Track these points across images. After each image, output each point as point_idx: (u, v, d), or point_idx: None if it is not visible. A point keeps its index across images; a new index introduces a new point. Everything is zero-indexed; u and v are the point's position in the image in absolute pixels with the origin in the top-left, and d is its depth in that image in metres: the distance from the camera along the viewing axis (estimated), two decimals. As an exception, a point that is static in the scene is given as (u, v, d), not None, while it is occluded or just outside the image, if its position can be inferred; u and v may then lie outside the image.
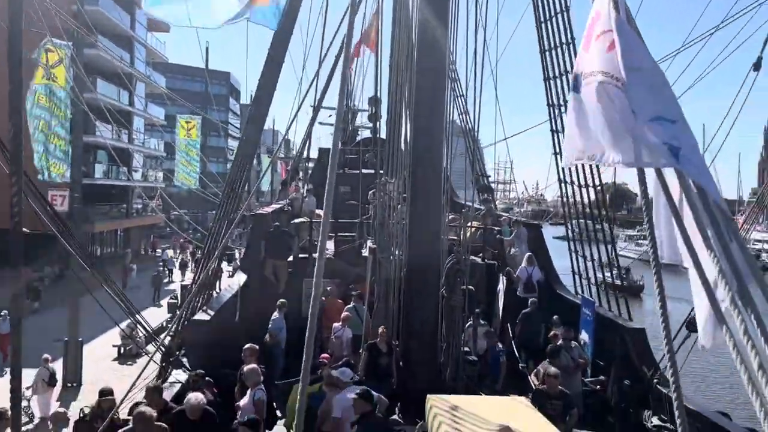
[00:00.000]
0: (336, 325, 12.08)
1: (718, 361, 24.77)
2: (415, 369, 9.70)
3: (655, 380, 10.08)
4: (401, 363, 10.10)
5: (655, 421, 9.78)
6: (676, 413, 2.25)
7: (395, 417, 9.18)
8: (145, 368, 7.05)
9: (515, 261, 14.74)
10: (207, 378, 8.34)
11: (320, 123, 28.79)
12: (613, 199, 16.90)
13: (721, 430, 8.34)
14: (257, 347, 9.40)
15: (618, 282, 13.60)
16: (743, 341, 1.69)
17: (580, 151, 2.53)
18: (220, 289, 16.00)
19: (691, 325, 9.94)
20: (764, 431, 1.58)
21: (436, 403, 6.11)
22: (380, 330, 10.39)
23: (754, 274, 1.87)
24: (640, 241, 65.37)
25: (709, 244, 1.75)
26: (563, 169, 13.61)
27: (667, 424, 9.58)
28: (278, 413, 9.06)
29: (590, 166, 12.96)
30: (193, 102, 35.65)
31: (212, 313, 11.74)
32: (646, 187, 2.26)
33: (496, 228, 16.28)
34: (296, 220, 16.49)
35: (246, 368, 8.26)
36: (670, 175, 2.20)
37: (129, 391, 6.52)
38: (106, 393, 7.81)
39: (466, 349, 10.56)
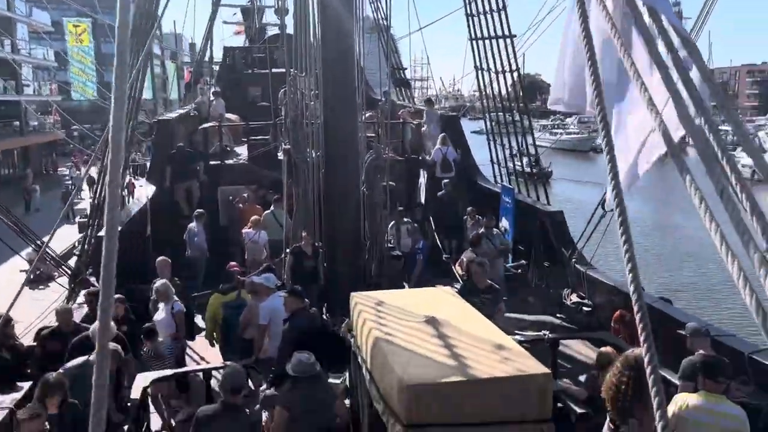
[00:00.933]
0: (246, 230, 11.75)
1: (636, 238, 26.27)
2: (340, 269, 9.54)
3: (573, 260, 10.40)
4: (325, 264, 9.92)
5: (574, 298, 10.19)
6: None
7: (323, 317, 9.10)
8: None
9: (427, 142, 14.78)
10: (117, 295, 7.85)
11: (225, 22, 26.78)
12: (526, 90, 16.93)
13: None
14: (169, 260, 8.91)
15: (529, 170, 13.87)
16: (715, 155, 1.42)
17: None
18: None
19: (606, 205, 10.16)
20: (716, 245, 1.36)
21: (360, 300, 5.93)
22: (303, 234, 10.09)
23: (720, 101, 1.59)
24: (553, 131, 67.27)
25: (667, 76, 1.46)
26: (479, 54, 13.29)
27: (585, 300, 9.99)
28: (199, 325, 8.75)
29: (505, 51, 12.71)
30: (79, 3, 32.28)
31: (119, 228, 11.02)
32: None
33: (415, 122, 15.95)
34: (204, 125, 15.51)
35: (158, 283, 7.82)
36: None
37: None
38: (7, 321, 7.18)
39: (391, 245, 10.45)
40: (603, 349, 6.22)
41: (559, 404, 5.63)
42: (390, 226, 11.21)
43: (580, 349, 8.95)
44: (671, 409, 4.84)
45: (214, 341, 8.09)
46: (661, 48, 1.53)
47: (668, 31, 1.51)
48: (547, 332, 7.48)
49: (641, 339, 1.45)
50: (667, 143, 1.52)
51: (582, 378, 6.93)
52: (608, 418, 4.97)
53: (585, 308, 9.88)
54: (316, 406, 5.15)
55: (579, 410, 5.66)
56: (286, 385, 5.31)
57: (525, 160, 14.14)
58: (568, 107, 2.71)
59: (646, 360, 1.45)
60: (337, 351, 6.30)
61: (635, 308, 1.44)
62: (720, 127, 1.70)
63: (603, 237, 10.16)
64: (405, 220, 11.63)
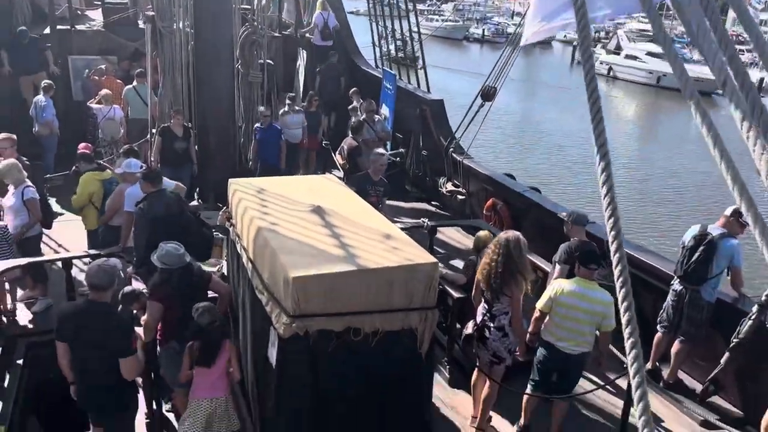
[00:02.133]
0: (97, 106, 10.62)
1: (505, 128, 27.35)
2: (213, 153, 8.97)
3: (450, 149, 10.54)
4: (197, 147, 9.28)
5: (450, 186, 10.42)
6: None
7: (195, 202, 8.63)
8: None
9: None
10: None
11: None
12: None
13: (507, 190, 9.06)
14: (15, 136, 7.86)
15: (397, 54, 13.66)
16: None
17: None
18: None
19: (485, 95, 10.25)
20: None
21: (240, 187, 5.59)
22: (172, 112, 9.28)
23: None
24: (430, 17, 66.61)
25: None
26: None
27: (460, 189, 10.26)
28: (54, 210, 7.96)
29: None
30: None
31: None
32: None
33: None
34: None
35: (2, 164, 6.89)
36: None
37: None
38: None
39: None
40: (480, 233, 6.41)
41: (439, 288, 5.79)
42: (281, 112, 10.65)
43: (454, 236, 9.28)
44: (548, 293, 5.13)
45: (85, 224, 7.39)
46: None
47: None
48: (426, 220, 7.60)
49: (618, 286, 1.32)
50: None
51: (458, 263, 7.18)
52: (482, 300, 5.21)
53: (460, 196, 10.16)
54: (192, 293, 4.90)
55: (456, 294, 5.87)
56: (156, 277, 4.97)
57: (396, 44, 14.00)
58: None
59: (622, 301, 1.32)
60: (198, 238, 5.97)
61: (612, 248, 1.27)
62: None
63: (480, 128, 10.32)
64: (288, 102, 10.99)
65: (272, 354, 4.24)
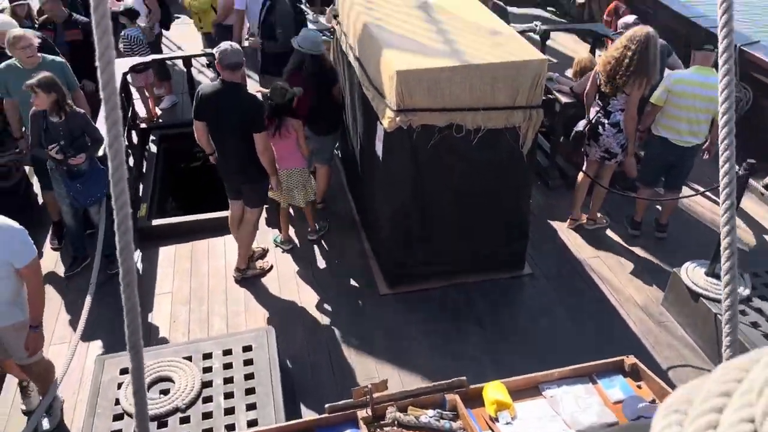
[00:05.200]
0: None
1: None
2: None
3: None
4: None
5: (568, -11, 9.62)
6: None
7: (302, 5, 8.58)
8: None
9: None
10: None
11: None
12: None
13: None
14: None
15: None
16: None
17: None
18: None
19: None
20: None
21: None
22: None
23: None
24: None
25: None
26: None
27: None
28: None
29: None
30: None
31: None
32: None
33: None
34: None
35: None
36: None
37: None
38: None
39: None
40: (580, 56, 6.09)
41: (549, 95, 5.66)
42: None
43: (568, 43, 8.78)
44: (663, 85, 4.89)
45: (200, 26, 7.65)
46: None
47: None
48: (539, 23, 7.19)
49: (720, 144, 1.25)
50: None
51: (569, 71, 6.89)
52: (596, 96, 5.04)
53: (579, 0, 9.40)
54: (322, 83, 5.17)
55: (564, 99, 5.71)
56: (293, 58, 5.22)
57: None
58: None
59: (722, 161, 1.25)
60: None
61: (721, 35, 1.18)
62: None
63: None
64: None
65: (378, 147, 4.45)
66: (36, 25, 6.18)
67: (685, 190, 5.57)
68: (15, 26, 5.33)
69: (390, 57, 4.12)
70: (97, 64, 0.93)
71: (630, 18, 5.98)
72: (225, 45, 4.47)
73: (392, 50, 4.19)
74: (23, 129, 5.16)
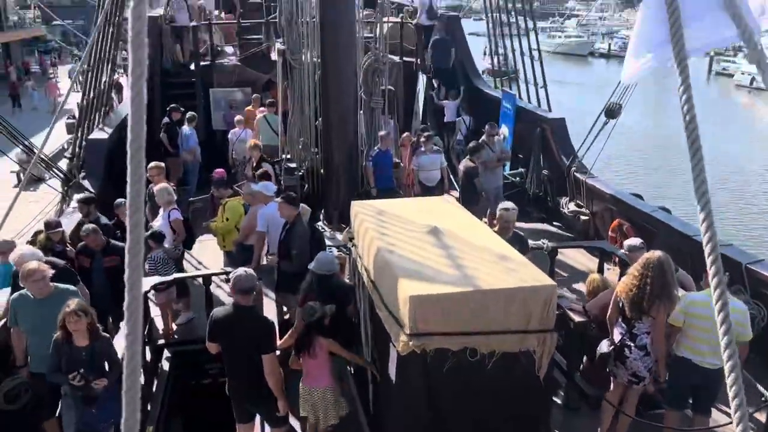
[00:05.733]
0: (233, 130, 11.79)
1: (632, 146, 26.12)
2: (338, 174, 9.40)
3: (572, 168, 10.30)
4: (322, 170, 9.76)
5: (572, 206, 10.16)
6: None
7: (319, 223, 9.07)
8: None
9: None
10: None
11: None
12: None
13: (634, 210, 8.70)
14: (163, 165, 8.72)
15: (516, 73, 13.53)
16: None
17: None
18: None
19: (609, 112, 9.96)
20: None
21: (362, 209, 5.85)
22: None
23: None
24: (552, 33, 65.33)
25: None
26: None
27: (583, 209, 9.98)
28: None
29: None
30: None
31: (110, 130, 10.76)
32: None
33: (413, 22, 15.29)
34: (194, 23, 14.77)
35: (156, 188, 7.67)
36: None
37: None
38: (53, 225, 6.99)
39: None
40: (592, 276, 6.28)
41: (558, 312, 5.69)
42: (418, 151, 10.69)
43: (577, 258, 9.03)
44: (679, 307, 4.92)
45: (223, 246, 8.07)
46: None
47: None
48: (546, 241, 7.48)
49: (712, 284, 1.33)
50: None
51: (581, 286, 7.01)
52: (619, 319, 5.05)
53: (583, 217, 9.88)
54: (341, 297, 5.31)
55: (578, 318, 5.74)
56: (308, 279, 5.40)
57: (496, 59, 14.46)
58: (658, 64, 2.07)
59: (719, 315, 1.32)
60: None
61: (707, 250, 1.29)
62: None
63: (604, 146, 10.01)
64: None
65: (392, 370, 4.40)
66: (68, 248, 6.55)
67: (717, 415, 5.32)
68: (37, 257, 5.59)
69: (404, 282, 4.24)
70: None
71: (636, 241, 6.22)
72: (240, 271, 4.68)
73: (406, 275, 4.34)
74: (27, 358, 5.22)
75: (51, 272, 5.28)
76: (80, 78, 13.18)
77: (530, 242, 7.17)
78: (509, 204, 6.88)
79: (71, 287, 5.42)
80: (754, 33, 1.30)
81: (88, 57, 10.79)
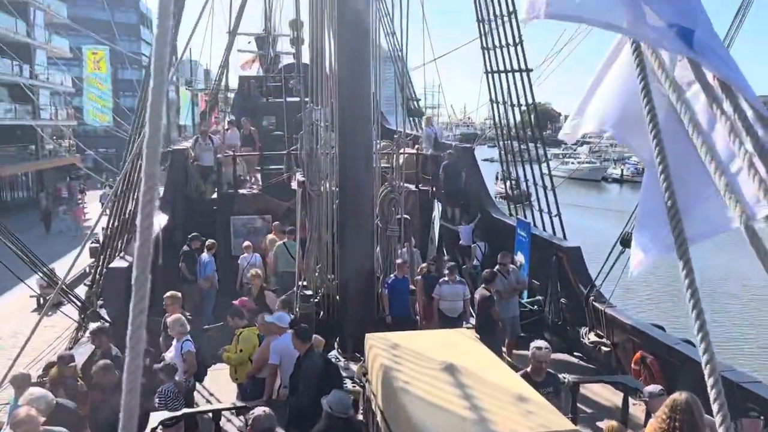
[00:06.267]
0: (242, 255, 11.94)
1: (654, 275, 25.86)
2: (354, 303, 9.36)
3: (591, 297, 10.17)
4: (338, 297, 9.74)
5: (592, 337, 9.92)
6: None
7: (333, 352, 8.90)
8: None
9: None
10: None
11: (239, 51, 26.97)
12: (539, 119, 16.49)
13: (657, 342, 8.47)
14: (179, 294, 8.77)
15: (530, 200, 13.74)
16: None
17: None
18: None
19: (624, 242, 9.99)
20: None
21: (376, 343, 5.77)
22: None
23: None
24: (564, 160, 67.20)
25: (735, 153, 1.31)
26: (494, 87, 13.22)
27: (604, 339, 9.73)
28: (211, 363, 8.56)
29: (522, 85, 12.61)
30: (99, 32, 32.82)
31: (131, 259, 10.94)
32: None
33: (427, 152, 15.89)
34: (218, 155, 15.47)
35: (170, 319, 7.67)
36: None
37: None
38: (66, 360, 6.95)
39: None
40: (609, 423, 6.00)
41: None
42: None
43: (600, 392, 8.68)
44: None
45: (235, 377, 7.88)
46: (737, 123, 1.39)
47: (743, 108, 1.37)
48: (567, 375, 7.24)
49: (714, 410, 1.29)
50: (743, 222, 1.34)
51: (604, 424, 6.66)
52: None
53: (604, 348, 9.61)
54: None
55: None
56: (323, 422, 5.17)
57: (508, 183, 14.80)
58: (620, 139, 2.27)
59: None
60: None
61: (707, 373, 1.26)
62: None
63: (621, 275, 9.93)
64: (414, 249, 11.24)
65: None
66: (79, 382, 6.47)
67: None
68: (47, 401, 5.48)
69: (419, 423, 4.09)
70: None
71: (655, 388, 5.97)
72: (259, 411, 4.57)
73: (421, 421, 4.18)
74: None
75: (42, 419, 5.11)
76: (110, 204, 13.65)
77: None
78: (542, 343, 6.69)
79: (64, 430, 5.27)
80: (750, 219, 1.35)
81: (119, 184, 11.23)
